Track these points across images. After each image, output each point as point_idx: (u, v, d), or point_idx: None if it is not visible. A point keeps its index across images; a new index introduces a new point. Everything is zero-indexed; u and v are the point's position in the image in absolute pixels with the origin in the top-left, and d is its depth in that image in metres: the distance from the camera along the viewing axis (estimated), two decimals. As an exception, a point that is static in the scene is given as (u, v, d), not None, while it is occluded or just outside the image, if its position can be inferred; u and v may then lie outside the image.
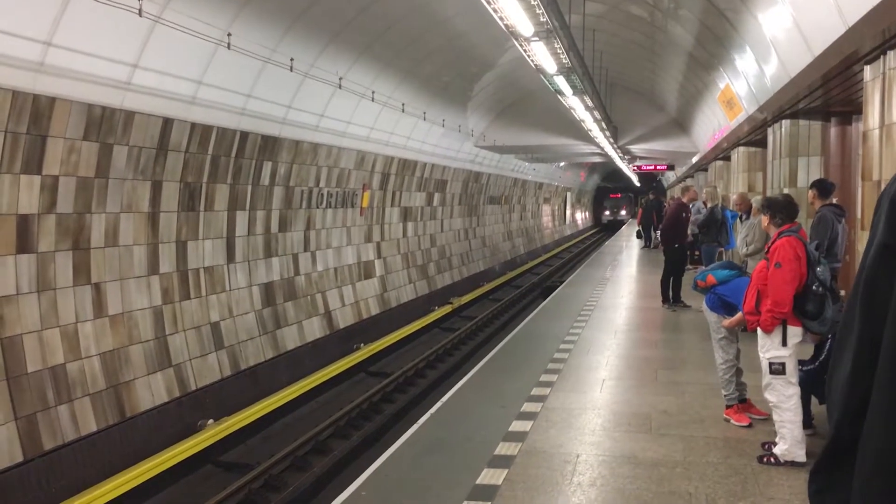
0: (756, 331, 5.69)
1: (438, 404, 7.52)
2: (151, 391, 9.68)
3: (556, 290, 16.74)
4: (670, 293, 13.07)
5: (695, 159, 25.56)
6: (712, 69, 13.95)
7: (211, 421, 10.06)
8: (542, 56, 9.17)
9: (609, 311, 13.42)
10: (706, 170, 26.67)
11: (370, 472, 5.63)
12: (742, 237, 10.05)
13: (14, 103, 7.49)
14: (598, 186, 69.52)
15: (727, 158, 19.47)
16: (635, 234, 31.07)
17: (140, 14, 7.68)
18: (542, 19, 7.40)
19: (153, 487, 8.79)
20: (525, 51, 8.79)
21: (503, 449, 5.98)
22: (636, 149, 27.23)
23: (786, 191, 10.64)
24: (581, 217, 65.46)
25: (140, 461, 8.69)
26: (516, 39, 8.14)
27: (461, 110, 20.75)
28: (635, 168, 33.60)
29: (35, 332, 8.11)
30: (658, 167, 32.51)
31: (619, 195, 68.53)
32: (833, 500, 1.57)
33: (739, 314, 6.09)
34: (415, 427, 6.82)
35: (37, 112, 7.79)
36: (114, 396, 9.06)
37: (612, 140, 22.46)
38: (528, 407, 7.17)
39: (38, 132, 7.87)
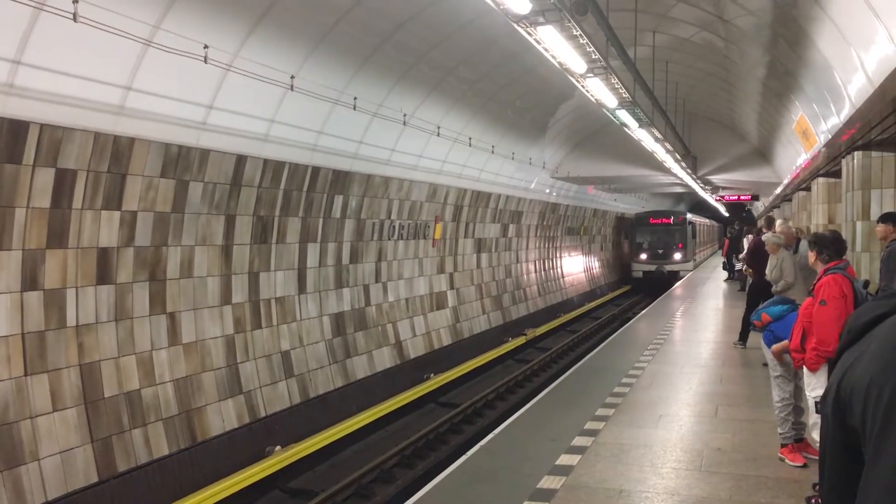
0: (802, 368, 5.60)
1: (490, 436, 7.61)
2: (222, 417, 10.06)
3: (629, 323, 16.55)
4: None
5: (778, 190, 24.89)
6: (786, 99, 13.69)
7: (278, 447, 10.36)
8: (600, 91, 9.24)
9: (680, 344, 13.23)
10: (791, 200, 25.93)
11: (413, 501, 5.76)
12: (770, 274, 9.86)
13: (96, 144, 8.03)
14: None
15: (809, 189, 18.93)
16: (721, 265, 30.52)
17: (205, 61, 8.15)
18: (594, 57, 7.50)
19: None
20: (582, 86, 8.89)
21: (547, 482, 6.02)
22: (717, 179, 26.74)
23: (859, 224, 10.32)
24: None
25: (209, 484, 9.03)
26: (571, 76, 8.25)
27: (535, 143, 20.87)
28: (718, 198, 32.93)
29: (112, 359, 8.59)
30: (742, 197, 31.77)
31: (670, 220, 35.77)
32: None
33: (785, 342, 6.01)
34: (464, 458, 6.94)
35: (117, 152, 8.32)
36: (186, 421, 9.47)
37: (689, 171, 22.15)
38: (579, 441, 7.18)
39: (118, 170, 8.40)
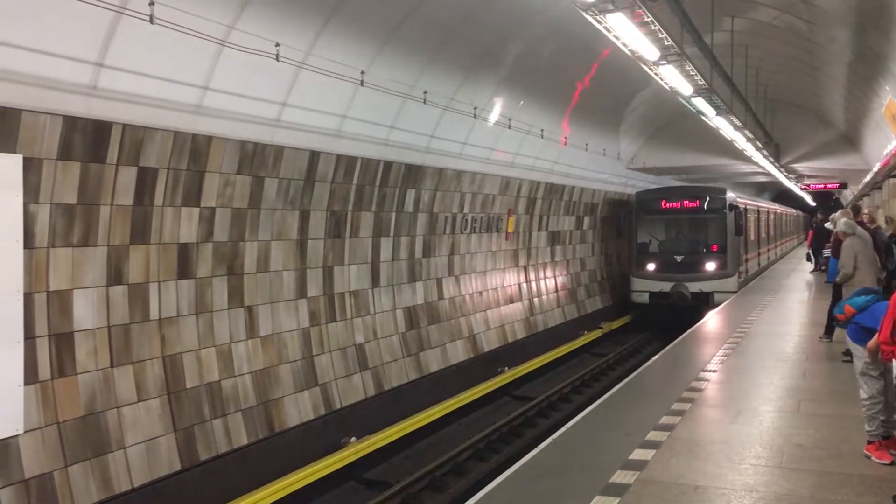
0: (892, 361, 5.36)
1: (563, 429, 7.54)
2: (298, 408, 10.26)
3: (707, 316, 16.16)
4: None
5: (868, 177, 23.93)
6: (875, 83, 13.13)
7: (353, 438, 10.51)
8: (674, 79, 9.04)
9: (761, 338, 12.84)
10: (881, 188, 24.89)
11: (482, 495, 5.75)
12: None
13: (176, 143, 8.28)
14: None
15: (900, 176, 18.13)
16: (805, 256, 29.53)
17: (277, 59, 8.31)
18: (666, 43, 7.33)
19: (298, 500, 9.29)
20: (655, 74, 8.70)
21: (620, 477, 5.93)
22: (802, 167, 25.91)
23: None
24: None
25: (286, 474, 9.23)
26: (644, 64, 8.09)
27: (609, 133, 20.57)
28: (803, 187, 31.86)
29: (193, 351, 8.86)
30: (829, 186, 30.65)
31: (697, 203, 21.86)
32: None
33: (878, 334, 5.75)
34: (535, 451, 6.89)
35: (196, 150, 8.56)
36: (263, 412, 9.69)
37: (772, 159, 21.48)
38: (653, 435, 7.05)
39: (196, 168, 8.64)
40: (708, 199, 21.64)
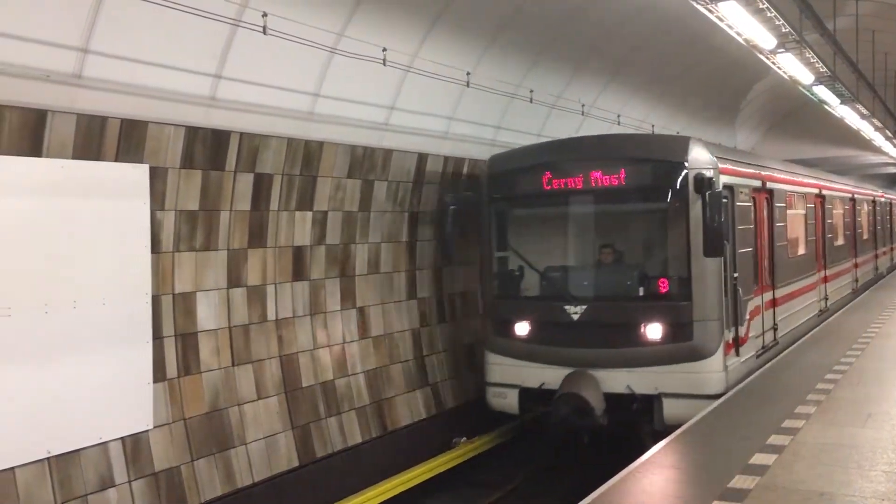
0: None
1: (678, 431, 7.35)
2: (410, 408, 10.40)
3: (833, 317, 15.37)
4: None
5: None
6: None
7: (464, 439, 10.56)
8: (793, 67, 8.64)
9: (894, 338, 12.12)
10: None
11: (595, 495, 5.67)
12: None
13: (289, 149, 8.55)
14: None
15: None
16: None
17: (384, 64, 8.45)
18: (784, 30, 7.02)
19: (409, 499, 9.41)
20: (773, 63, 8.35)
21: (738, 482, 5.72)
22: (937, 156, 24.23)
23: None
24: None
25: (398, 473, 9.36)
26: (760, 53, 7.78)
27: (724, 126, 19.89)
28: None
29: (308, 351, 9.12)
30: (968, 175, 28.58)
31: (622, 174, 8.89)
32: None
33: None
34: (650, 451, 6.74)
35: (308, 155, 8.81)
36: (376, 411, 9.87)
37: (903, 148, 20.26)
38: (774, 439, 6.77)
39: (309, 173, 8.89)
40: (645, 164, 9.33)
